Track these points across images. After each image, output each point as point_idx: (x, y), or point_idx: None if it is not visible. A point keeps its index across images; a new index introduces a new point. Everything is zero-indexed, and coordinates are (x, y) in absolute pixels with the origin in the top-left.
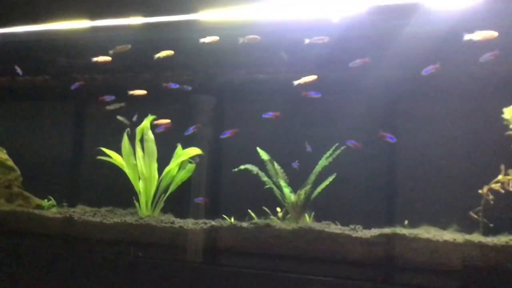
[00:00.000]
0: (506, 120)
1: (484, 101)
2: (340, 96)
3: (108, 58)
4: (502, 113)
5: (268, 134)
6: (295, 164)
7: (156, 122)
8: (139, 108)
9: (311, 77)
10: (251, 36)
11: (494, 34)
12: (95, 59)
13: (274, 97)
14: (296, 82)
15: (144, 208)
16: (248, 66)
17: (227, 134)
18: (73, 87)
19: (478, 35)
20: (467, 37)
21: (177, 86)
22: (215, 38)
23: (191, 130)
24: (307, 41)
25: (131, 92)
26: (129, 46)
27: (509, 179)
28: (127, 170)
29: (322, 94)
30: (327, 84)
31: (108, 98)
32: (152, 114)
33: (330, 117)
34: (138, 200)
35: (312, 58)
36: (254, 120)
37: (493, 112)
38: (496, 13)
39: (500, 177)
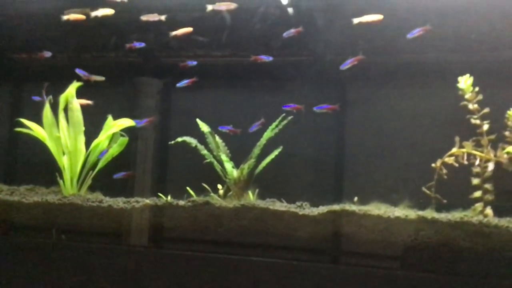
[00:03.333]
0: (461, 89)
1: (439, 69)
2: (289, 65)
3: None
4: (457, 82)
5: (211, 107)
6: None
7: (80, 102)
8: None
9: (376, 17)
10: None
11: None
12: None
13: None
14: (356, 20)
15: (69, 186)
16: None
17: (143, 122)
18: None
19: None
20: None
21: (142, 45)
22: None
23: (144, 122)
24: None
25: (174, 33)
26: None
27: (463, 152)
28: (49, 143)
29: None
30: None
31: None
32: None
33: (278, 88)
34: (62, 177)
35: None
36: (199, 93)
37: (448, 82)
38: None
39: (454, 150)
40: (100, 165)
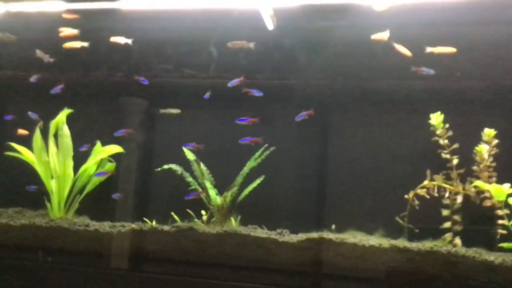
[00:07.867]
0: (433, 126)
1: (414, 107)
2: (271, 99)
3: None
4: (430, 119)
5: (199, 134)
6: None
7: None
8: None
9: (449, 49)
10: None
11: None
12: None
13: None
14: (429, 49)
15: (57, 210)
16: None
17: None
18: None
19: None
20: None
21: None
22: None
23: (121, 132)
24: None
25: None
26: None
27: (434, 185)
28: (38, 167)
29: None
30: (258, 87)
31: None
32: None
33: (262, 119)
34: (50, 201)
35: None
36: (186, 121)
37: (422, 118)
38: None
39: (425, 182)
40: (88, 189)
